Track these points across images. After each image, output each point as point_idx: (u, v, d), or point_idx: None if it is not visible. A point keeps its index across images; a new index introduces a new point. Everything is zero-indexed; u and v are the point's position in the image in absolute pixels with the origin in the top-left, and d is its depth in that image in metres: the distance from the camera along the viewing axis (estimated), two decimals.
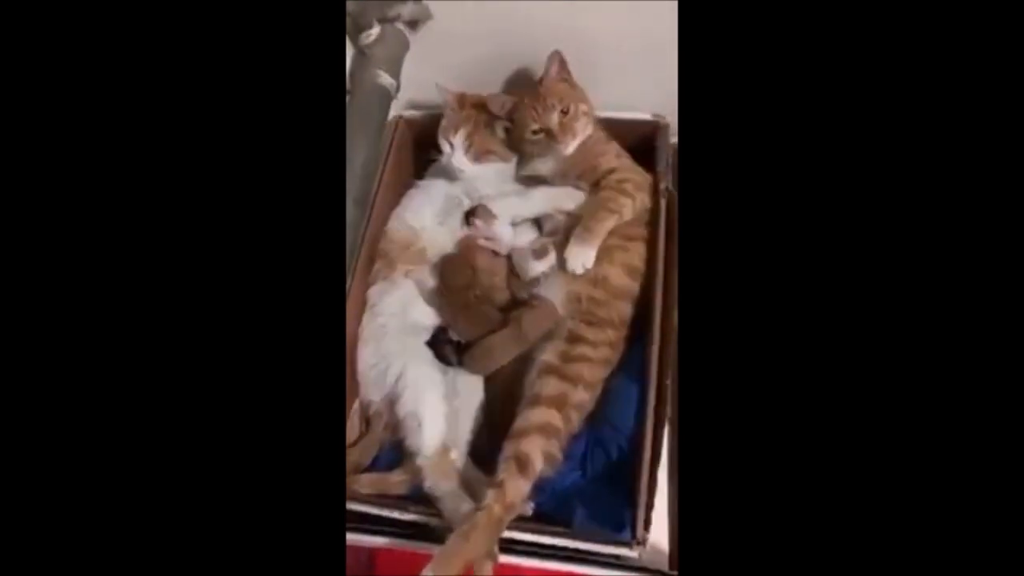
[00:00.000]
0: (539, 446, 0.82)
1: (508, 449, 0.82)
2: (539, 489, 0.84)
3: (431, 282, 1.00)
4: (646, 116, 1.06)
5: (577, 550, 0.80)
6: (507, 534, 0.80)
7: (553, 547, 0.80)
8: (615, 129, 1.05)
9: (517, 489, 0.79)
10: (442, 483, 0.87)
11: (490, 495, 0.78)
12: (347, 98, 0.99)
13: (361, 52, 0.99)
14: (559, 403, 0.85)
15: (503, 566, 0.80)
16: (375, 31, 0.97)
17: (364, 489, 0.91)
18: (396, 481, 0.92)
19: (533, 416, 0.84)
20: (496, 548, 0.80)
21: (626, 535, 0.78)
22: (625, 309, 0.94)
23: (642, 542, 0.77)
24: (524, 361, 0.93)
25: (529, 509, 0.85)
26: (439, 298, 0.98)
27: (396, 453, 0.96)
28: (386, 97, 1.00)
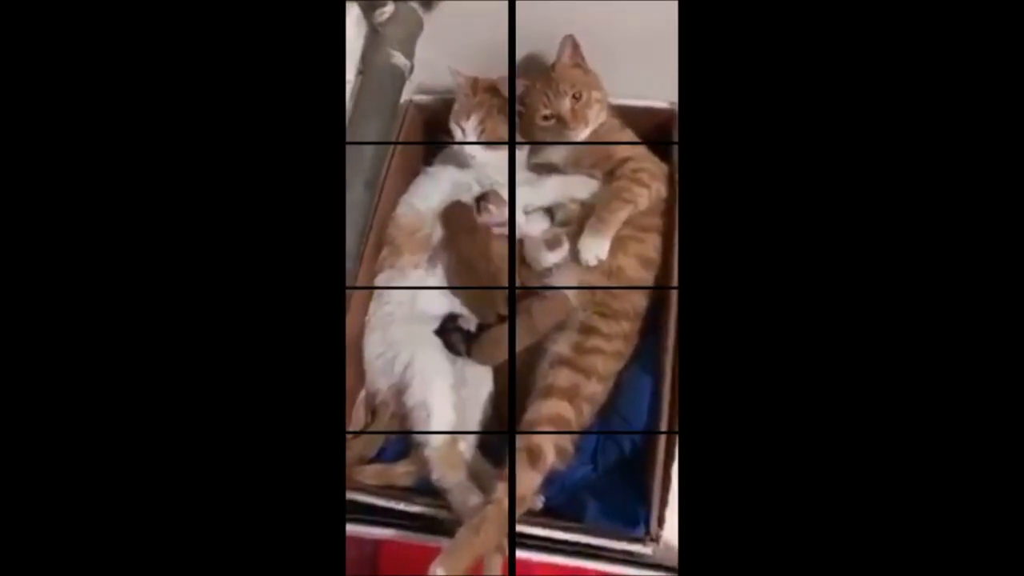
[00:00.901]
0: (551, 438, 0.80)
1: (519, 441, 0.80)
2: (549, 483, 0.83)
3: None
4: (663, 104, 1.04)
5: (589, 545, 0.78)
6: (517, 528, 0.78)
7: (564, 542, 0.79)
8: (631, 117, 1.03)
9: (528, 482, 0.78)
10: (450, 475, 0.85)
11: (500, 488, 0.77)
12: (359, 78, 0.97)
13: (375, 30, 0.96)
14: (571, 395, 0.84)
15: None
16: (389, 8, 0.94)
17: (369, 480, 0.89)
18: (402, 472, 0.90)
19: (545, 408, 0.83)
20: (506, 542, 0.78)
21: (639, 531, 0.77)
22: (640, 301, 0.92)
23: (656, 539, 0.76)
24: (535, 352, 0.91)
25: (539, 503, 0.83)
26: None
27: (403, 443, 0.94)
28: (399, 78, 0.97)
